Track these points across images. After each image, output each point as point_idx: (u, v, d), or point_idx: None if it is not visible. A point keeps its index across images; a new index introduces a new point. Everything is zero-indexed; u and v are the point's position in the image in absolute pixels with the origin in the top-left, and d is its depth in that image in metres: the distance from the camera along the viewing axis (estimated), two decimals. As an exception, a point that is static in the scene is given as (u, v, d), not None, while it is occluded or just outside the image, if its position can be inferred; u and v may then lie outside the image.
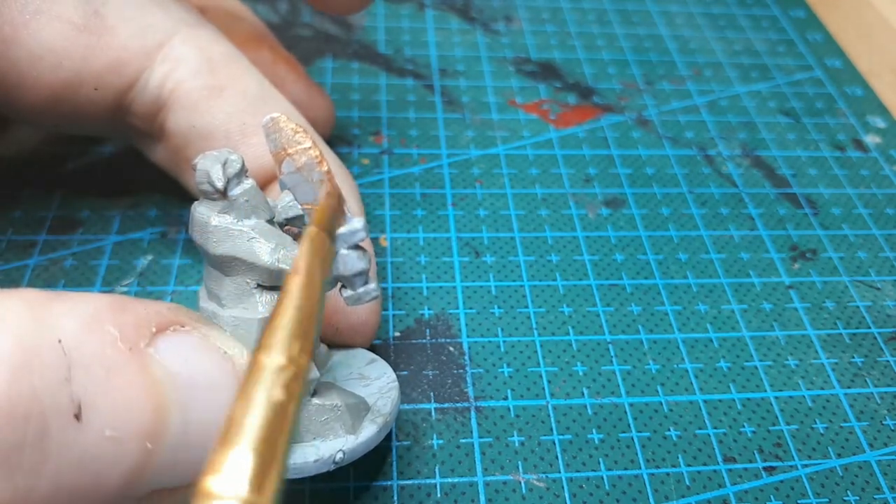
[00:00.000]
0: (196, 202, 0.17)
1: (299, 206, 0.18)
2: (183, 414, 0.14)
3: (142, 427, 0.13)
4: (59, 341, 0.13)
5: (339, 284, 0.17)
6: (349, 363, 0.22)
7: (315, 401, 0.18)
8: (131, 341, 0.14)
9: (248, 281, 0.17)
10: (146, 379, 0.14)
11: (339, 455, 0.18)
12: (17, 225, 0.28)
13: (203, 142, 0.23)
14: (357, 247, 0.16)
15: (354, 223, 0.16)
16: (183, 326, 0.15)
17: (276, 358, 0.11)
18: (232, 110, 0.22)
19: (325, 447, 0.18)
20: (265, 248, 0.17)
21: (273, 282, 0.17)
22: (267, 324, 0.12)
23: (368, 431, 0.19)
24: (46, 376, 0.13)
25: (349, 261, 0.16)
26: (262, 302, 0.17)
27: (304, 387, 0.11)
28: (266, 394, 0.10)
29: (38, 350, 0.13)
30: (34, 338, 0.13)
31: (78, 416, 0.13)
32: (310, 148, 0.16)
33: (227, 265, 0.17)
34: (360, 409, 0.19)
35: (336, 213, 0.15)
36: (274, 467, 0.10)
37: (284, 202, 0.18)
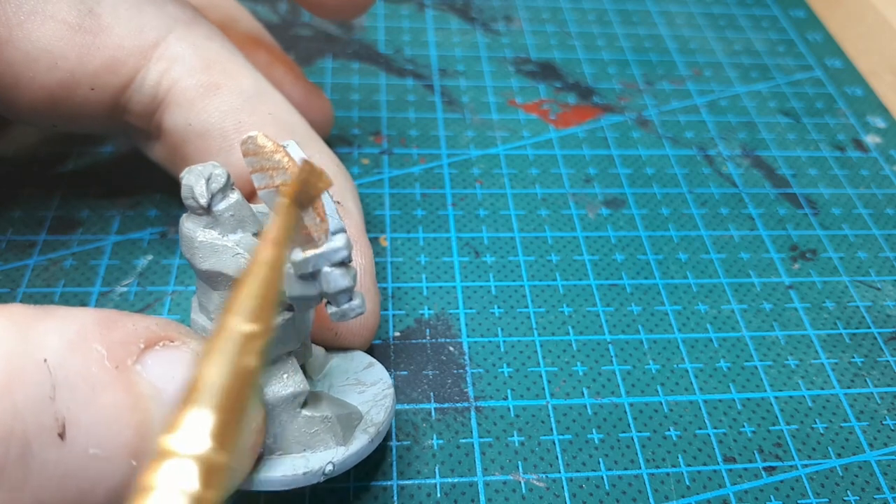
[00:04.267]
0: (184, 216, 0.17)
1: None
2: None
3: (126, 444, 0.13)
4: (45, 360, 0.13)
5: (325, 300, 0.17)
6: (346, 368, 0.21)
7: (305, 412, 0.18)
8: (118, 359, 0.14)
9: None
10: (131, 396, 0.14)
11: (329, 467, 0.18)
12: (17, 225, 0.28)
13: (199, 140, 0.23)
14: (341, 264, 0.16)
15: (335, 241, 0.16)
16: (172, 342, 0.15)
17: (243, 322, 0.11)
18: (227, 108, 0.22)
19: (314, 459, 0.18)
20: None
21: None
22: (236, 288, 0.12)
23: (359, 442, 0.19)
24: (30, 395, 0.12)
25: (332, 279, 0.16)
26: None
27: (266, 352, 0.11)
28: (231, 356, 0.10)
29: (22, 368, 0.13)
30: (18, 356, 0.13)
31: (62, 435, 0.13)
32: (287, 167, 0.16)
33: (214, 280, 0.17)
34: (351, 420, 0.19)
35: (309, 184, 0.15)
36: (234, 427, 0.10)
37: None
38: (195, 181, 0.17)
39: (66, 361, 0.13)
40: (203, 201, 0.16)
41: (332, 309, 0.17)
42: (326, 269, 0.16)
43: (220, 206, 0.17)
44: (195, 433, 0.09)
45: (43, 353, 0.13)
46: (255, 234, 0.18)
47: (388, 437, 0.23)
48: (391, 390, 0.21)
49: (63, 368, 0.13)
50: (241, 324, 0.11)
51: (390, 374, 0.24)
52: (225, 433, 0.10)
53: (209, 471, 0.09)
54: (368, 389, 0.21)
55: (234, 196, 0.17)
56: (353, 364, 0.22)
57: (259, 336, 0.11)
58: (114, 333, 0.14)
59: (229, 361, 0.10)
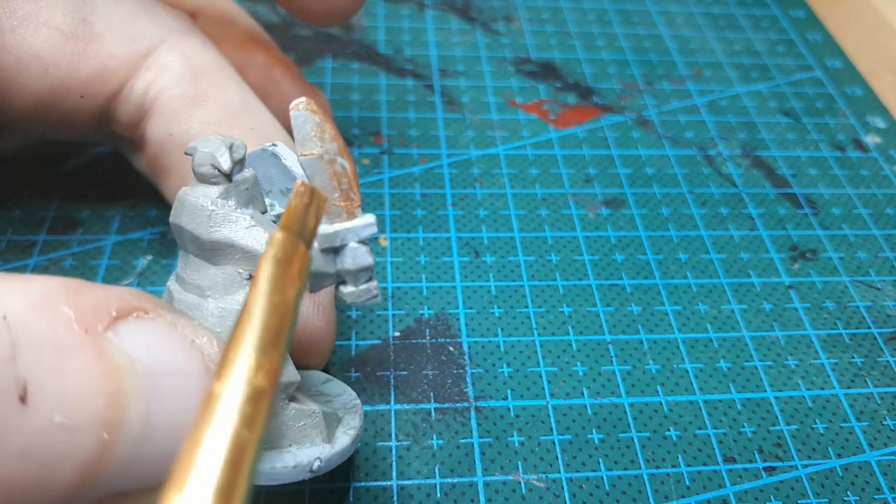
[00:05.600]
0: (185, 188, 0.17)
1: (272, 215, 0.18)
2: (144, 404, 0.13)
3: (97, 415, 0.12)
4: (4, 317, 0.12)
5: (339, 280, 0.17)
6: (306, 383, 0.21)
7: (294, 405, 0.18)
8: (87, 324, 0.13)
9: (241, 271, 0.17)
10: (103, 363, 0.13)
11: (317, 463, 0.18)
12: (17, 225, 0.28)
13: (178, 150, 0.22)
14: (365, 242, 0.16)
15: (367, 217, 0.16)
16: (147, 313, 0.14)
17: (234, 385, 0.09)
18: (210, 120, 0.22)
19: (302, 454, 0.18)
20: (264, 237, 0.16)
21: None
22: (232, 336, 0.10)
23: (343, 441, 0.18)
24: None
25: (358, 255, 0.16)
26: None
27: (267, 415, 0.10)
28: (231, 425, 0.09)
29: None
30: None
31: (23, 399, 0.12)
32: (334, 138, 0.16)
33: (220, 253, 0.17)
34: (333, 419, 0.19)
35: (311, 212, 0.14)
36: None
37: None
38: (216, 147, 0.16)
39: (29, 321, 0.12)
40: (226, 167, 0.16)
41: (348, 289, 0.16)
42: (353, 244, 0.16)
43: (239, 177, 0.17)
44: None
45: (2, 310, 0.12)
46: (263, 213, 0.17)
47: (388, 437, 0.23)
48: (359, 401, 0.20)
49: (26, 329, 0.12)
50: (234, 386, 0.09)
51: (390, 374, 0.24)
52: None
53: None
54: (335, 399, 0.20)
55: (251, 171, 0.17)
56: (311, 380, 0.21)
57: (264, 395, 0.10)
58: (83, 298, 0.13)
59: (229, 433, 0.09)
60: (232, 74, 0.23)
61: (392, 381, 0.24)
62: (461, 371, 0.25)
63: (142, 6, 0.23)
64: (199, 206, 0.17)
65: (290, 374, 0.18)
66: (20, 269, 0.26)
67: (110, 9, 0.22)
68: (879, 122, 0.37)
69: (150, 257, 0.27)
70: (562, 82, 0.37)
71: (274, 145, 0.18)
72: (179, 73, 0.22)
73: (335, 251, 0.16)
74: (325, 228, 0.16)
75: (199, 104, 0.22)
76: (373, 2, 0.41)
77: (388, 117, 0.34)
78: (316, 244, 0.16)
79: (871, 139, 0.36)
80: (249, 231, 0.17)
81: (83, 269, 0.26)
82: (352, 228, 0.16)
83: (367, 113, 0.34)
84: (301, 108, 0.16)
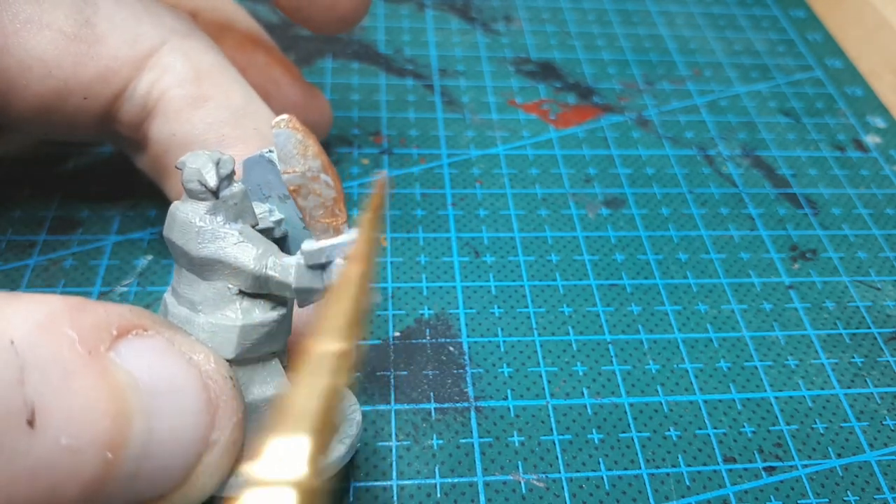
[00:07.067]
0: (177, 202, 0.17)
1: (270, 221, 0.18)
2: (146, 421, 0.14)
3: (101, 435, 0.13)
4: (12, 342, 0.12)
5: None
6: None
7: None
8: (90, 344, 0.13)
9: (230, 286, 0.17)
10: (106, 384, 0.13)
11: None
12: (17, 225, 0.28)
13: (181, 150, 0.22)
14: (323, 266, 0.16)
15: (353, 233, 0.16)
16: (146, 330, 0.15)
17: (336, 341, 0.11)
18: (212, 121, 0.22)
19: None
20: (252, 253, 0.16)
21: (256, 289, 0.17)
22: (325, 308, 0.12)
23: (338, 451, 0.18)
24: None
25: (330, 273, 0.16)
26: (243, 309, 0.17)
27: (352, 370, 0.12)
28: (324, 378, 0.11)
29: None
30: None
31: (31, 422, 0.12)
32: (317, 154, 0.16)
33: (209, 269, 0.17)
34: None
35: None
36: (323, 449, 0.10)
37: (260, 210, 0.18)
38: (203, 164, 0.16)
39: (34, 345, 0.12)
40: (213, 184, 0.16)
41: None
42: (339, 261, 0.16)
43: (227, 193, 0.16)
44: (291, 460, 0.10)
45: (9, 335, 0.12)
46: (254, 227, 0.17)
47: (388, 437, 0.23)
48: (358, 406, 0.20)
49: (32, 352, 0.12)
50: (333, 343, 0.11)
51: (390, 374, 0.24)
52: (315, 456, 0.10)
53: (307, 497, 0.10)
54: None
55: (239, 185, 0.17)
56: None
57: (349, 354, 0.11)
58: (85, 318, 0.13)
59: (322, 384, 0.11)
60: (234, 75, 0.23)
61: (392, 381, 0.24)
62: (461, 371, 0.25)
63: (144, 7, 0.23)
64: (187, 223, 0.17)
65: (284, 385, 0.18)
66: (20, 269, 0.26)
67: (113, 10, 0.22)
68: (879, 122, 0.37)
69: (150, 257, 0.27)
70: (562, 82, 0.37)
71: (271, 151, 0.18)
72: (182, 73, 0.22)
73: (322, 267, 0.16)
74: (311, 245, 0.16)
75: (202, 105, 0.22)
76: (373, 2, 0.41)
77: (388, 117, 0.34)
78: (303, 260, 0.16)
79: (871, 139, 0.36)
80: (237, 247, 0.16)
81: (83, 269, 0.26)
82: (337, 245, 0.16)
83: (367, 113, 0.34)
84: (282, 126, 0.16)
